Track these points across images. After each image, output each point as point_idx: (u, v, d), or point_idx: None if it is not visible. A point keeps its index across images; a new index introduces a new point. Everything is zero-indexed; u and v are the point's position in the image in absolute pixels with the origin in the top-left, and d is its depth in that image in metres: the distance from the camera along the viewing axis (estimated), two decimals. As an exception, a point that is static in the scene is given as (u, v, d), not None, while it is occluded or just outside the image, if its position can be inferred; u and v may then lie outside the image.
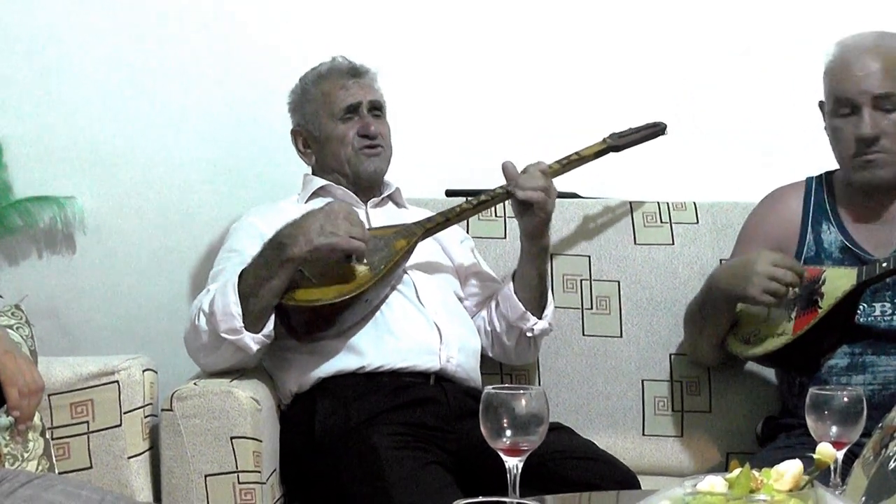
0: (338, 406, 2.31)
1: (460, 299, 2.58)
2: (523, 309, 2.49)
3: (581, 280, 2.71)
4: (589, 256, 2.72)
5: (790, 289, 2.29)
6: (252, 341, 2.26)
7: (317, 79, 2.59)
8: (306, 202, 2.55)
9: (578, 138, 2.77)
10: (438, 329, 2.42)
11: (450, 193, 2.84)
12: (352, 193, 2.55)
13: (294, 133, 2.62)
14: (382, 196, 2.61)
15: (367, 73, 2.59)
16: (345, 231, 2.24)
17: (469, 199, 2.54)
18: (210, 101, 2.94)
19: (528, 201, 2.40)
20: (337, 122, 2.54)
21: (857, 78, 2.29)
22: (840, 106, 2.33)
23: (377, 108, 2.57)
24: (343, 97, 2.54)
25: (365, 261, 2.31)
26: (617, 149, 2.62)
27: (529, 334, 2.52)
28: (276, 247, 2.26)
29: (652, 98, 2.91)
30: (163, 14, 2.93)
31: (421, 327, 2.41)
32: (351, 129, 2.54)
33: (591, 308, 2.70)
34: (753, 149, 2.91)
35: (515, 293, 2.49)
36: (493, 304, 2.57)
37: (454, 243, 2.61)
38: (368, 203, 2.57)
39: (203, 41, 2.93)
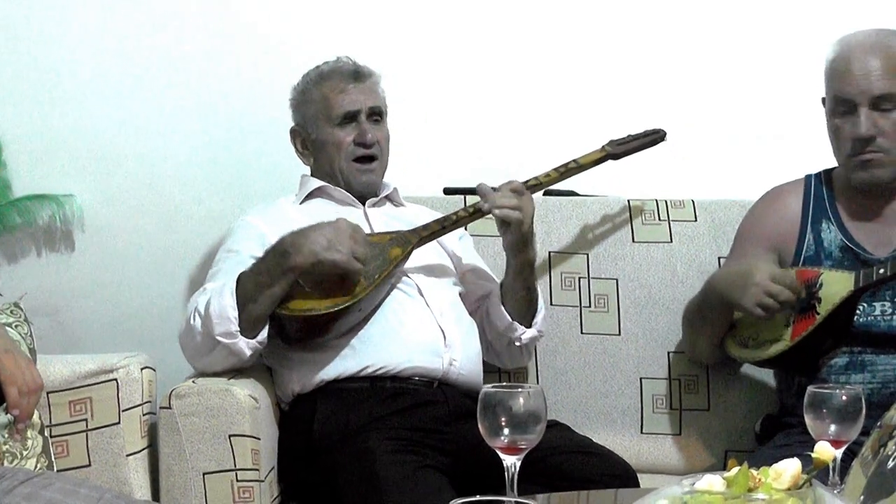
0: (338, 409, 2.31)
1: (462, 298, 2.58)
2: (510, 319, 2.49)
3: (579, 278, 2.70)
4: (587, 254, 2.72)
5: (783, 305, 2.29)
6: (246, 346, 2.27)
7: (318, 79, 2.56)
8: (302, 202, 2.55)
9: (575, 136, 2.77)
10: (443, 331, 2.42)
11: (448, 192, 2.84)
12: (349, 195, 2.55)
13: (293, 132, 2.61)
14: (380, 197, 2.60)
15: (369, 77, 2.55)
16: (349, 250, 2.26)
17: (465, 207, 2.53)
18: (209, 100, 2.94)
19: (502, 219, 2.40)
20: (334, 128, 2.52)
21: (856, 77, 2.29)
22: (838, 105, 2.32)
23: (377, 114, 2.55)
24: (342, 102, 2.52)
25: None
26: (616, 156, 2.61)
27: (518, 343, 2.53)
28: (279, 255, 2.26)
29: (649, 96, 2.91)
30: (162, 12, 2.93)
31: (426, 329, 2.41)
32: (348, 136, 2.52)
33: (590, 306, 2.69)
34: (752, 147, 2.91)
35: (503, 304, 2.49)
36: (484, 311, 2.57)
37: (453, 241, 2.61)
38: (367, 203, 2.56)
39: (202, 39, 2.93)
